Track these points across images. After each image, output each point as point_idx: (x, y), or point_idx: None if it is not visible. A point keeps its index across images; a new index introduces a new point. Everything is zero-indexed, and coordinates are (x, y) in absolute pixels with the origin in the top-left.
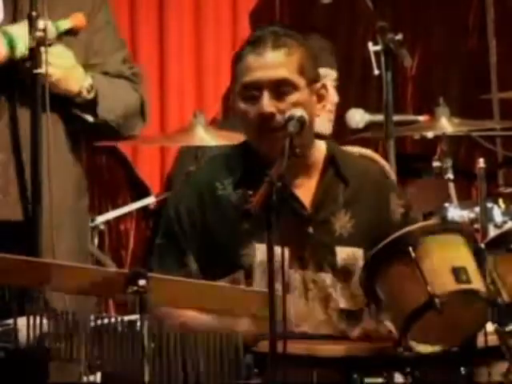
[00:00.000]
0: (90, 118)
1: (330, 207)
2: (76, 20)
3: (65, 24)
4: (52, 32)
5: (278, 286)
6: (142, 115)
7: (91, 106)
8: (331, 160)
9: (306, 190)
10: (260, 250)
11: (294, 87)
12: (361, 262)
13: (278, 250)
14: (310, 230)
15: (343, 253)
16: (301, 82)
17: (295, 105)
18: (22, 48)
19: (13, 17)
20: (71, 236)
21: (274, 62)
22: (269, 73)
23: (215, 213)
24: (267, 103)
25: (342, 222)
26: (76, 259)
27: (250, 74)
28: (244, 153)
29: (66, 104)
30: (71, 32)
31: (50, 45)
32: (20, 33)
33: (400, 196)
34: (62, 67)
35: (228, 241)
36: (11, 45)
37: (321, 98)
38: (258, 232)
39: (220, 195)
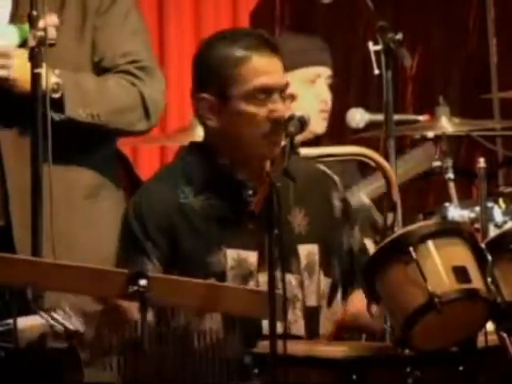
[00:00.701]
0: (55, 117)
1: (286, 206)
2: (48, 21)
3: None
4: (15, 36)
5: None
6: (146, 111)
7: (59, 105)
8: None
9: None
10: (230, 255)
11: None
12: (317, 258)
13: (246, 254)
14: (276, 230)
15: (305, 250)
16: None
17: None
18: None
19: (12, 18)
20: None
21: (277, 66)
22: (278, 77)
23: (181, 221)
24: (283, 107)
25: (298, 220)
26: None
27: (263, 78)
28: (202, 157)
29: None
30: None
31: (50, 45)
32: None
33: (341, 191)
34: (24, 69)
35: (197, 248)
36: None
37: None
38: (227, 237)
39: (183, 203)
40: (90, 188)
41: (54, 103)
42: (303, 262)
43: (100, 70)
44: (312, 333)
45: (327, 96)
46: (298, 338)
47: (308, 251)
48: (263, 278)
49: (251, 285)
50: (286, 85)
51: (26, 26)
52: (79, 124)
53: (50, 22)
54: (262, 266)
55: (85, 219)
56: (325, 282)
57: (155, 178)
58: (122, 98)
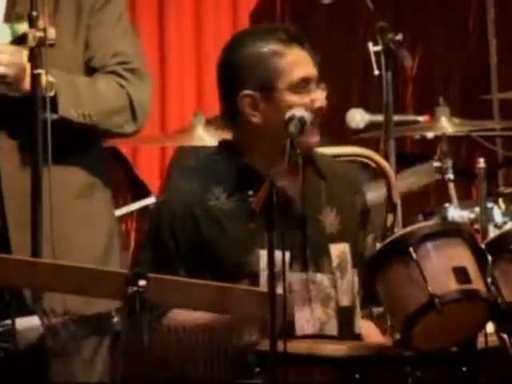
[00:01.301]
0: (48, 117)
1: (317, 205)
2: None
3: (22, 28)
4: (7, 35)
5: (281, 290)
6: (133, 114)
7: (52, 105)
8: (309, 159)
9: (293, 191)
10: (263, 256)
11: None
12: (349, 257)
13: (278, 254)
14: (308, 230)
15: (336, 250)
16: None
17: None
18: None
19: (8, 17)
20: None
21: (309, 57)
22: (313, 68)
23: (210, 224)
24: (321, 97)
25: (330, 219)
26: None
27: (302, 69)
28: (235, 157)
29: (26, 105)
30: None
31: (50, 45)
32: None
33: (363, 195)
34: (15, 65)
35: (228, 251)
36: None
37: None
38: (260, 238)
39: (212, 205)
40: (83, 187)
41: (47, 102)
42: (335, 261)
43: (89, 69)
44: (346, 333)
45: None
46: (331, 338)
47: (340, 251)
48: (295, 278)
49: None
50: (317, 76)
51: (19, 25)
52: (70, 123)
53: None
54: (293, 266)
55: (78, 219)
56: (357, 282)
57: (183, 178)
58: (112, 99)
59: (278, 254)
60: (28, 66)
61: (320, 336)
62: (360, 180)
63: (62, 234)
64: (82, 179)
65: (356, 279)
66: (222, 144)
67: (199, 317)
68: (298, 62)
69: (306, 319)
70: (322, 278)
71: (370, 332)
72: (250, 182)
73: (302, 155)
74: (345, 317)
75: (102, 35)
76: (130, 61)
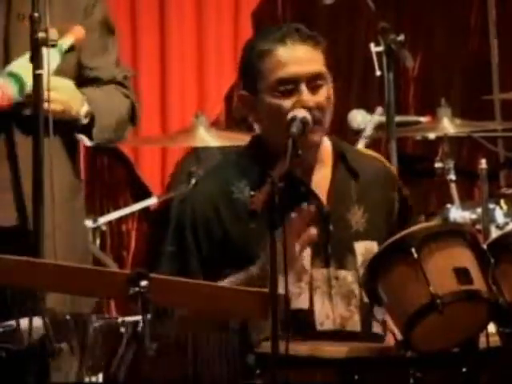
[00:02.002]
0: (87, 142)
1: (345, 203)
2: (77, 33)
3: (67, 41)
4: (57, 57)
5: (304, 286)
6: (132, 119)
7: (87, 129)
8: (340, 155)
9: (320, 186)
10: (283, 251)
11: (325, 80)
12: None
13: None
14: (331, 227)
15: (361, 247)
16: (327, 74)
17: (327, 98)
18: (29, 86)
19: (6, 17)
20: (66, 236)
21: (307, 55)
22: (305, 67)
23: (233, 218)
24: (308, 97)
25: (357, 217)
26: (74, 258)
27: (285, 69)
28: (257, 153)
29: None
30: (73, 47)
31: (52, 46)
32: (25, 71)
33: (405, 190)
34: (63, 101)
35: (250, 244)
36: (20, 84)
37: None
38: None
39: (236, 199)
40: (71, 188)
41: (81, 129)
42: (359, 258)
43: (93, 77)
44: (370, 330)
45: None
46: (353, 334)
47: (365, 249)
48: (316, 274)
49: (305, 280)
50: (317, 74)
51: (64, 41)
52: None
53: (79, 35)
54: (315, 261)
55: (65, 219)
56: None
57: (209, 176)
58: (123, 114)
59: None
60: (75, 96)
61: (341, 332)
62: (396, 176)
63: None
64: (70, 182)
65: None
66: (252, 139)
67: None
68: (282, 62)
69: (326, 315)
70: (346, 275)
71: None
72: None
73: (334, 152)
74: (369, 314)
75: (99, 44)
76: (124, 68)
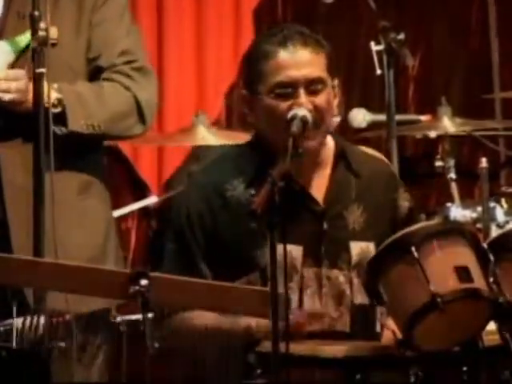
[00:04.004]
0: (57, 131)
1: (343, 201)
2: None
3: (23, 40)
4: (9, 52)
5: (293, 286)
6: (141, 115)
7: (60, 119)
8: (341, 154)
9: (317, 186)
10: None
11: (325, 85)
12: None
13: (290, 248)
14: (325, 226)
15: (357, 247)
16: (328, 79)
17: (326, 102)
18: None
19: (6, 15)
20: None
21: (307, 60)
22: (303, 71)
23: (225, 215)
24: (305, 101)
25: (355, 216)
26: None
27: (284, 73)
28: (256, 151)
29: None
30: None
31: (53, 45)
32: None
33: (407, 192)
34: (21, 91)
35: (241, 242)
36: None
37: (335, 95)
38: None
39: (229, 196)
40: (80, 187)
41: (56, 117)
42: (354, 258)
43: (95, 67)
44: (362, 331)
45: None
46: (342, 334)
47: (361, 249)
48: (308, 273)
49: (295, 279)
50: (316, 78)
51: (20, 37)
52: (81, 135)
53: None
54: (306, 261)
55: (73, 217)
56: None
57: (203, 171)
58: (119, 105)
59: (290, 247)
60: (30, 87)
61: (330, 332)
62: (401, 182)
63: (57, 232)
64: (79, 179)
65: None
66: (252, 137)
67: (209, 318)
68: (282, 66)
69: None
70: (338, 275)
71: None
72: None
73: (335, 151)
74: (360, 315)
75: (107, 33)
76: (135, 59)
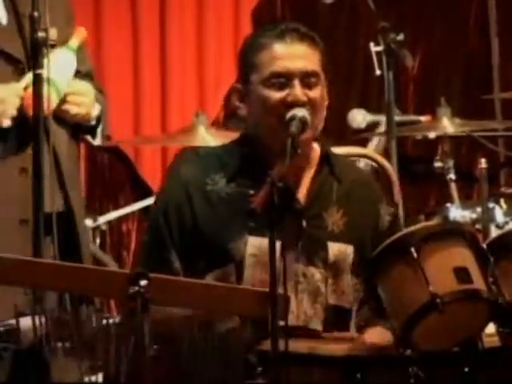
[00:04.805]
0: (94, 142)
1: (323, 203)
2: (80, 34)
3: (74, 42)
4: (73, 59)
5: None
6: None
7: (92, 129)
8: (326, 158)
9: (302, 185)
10: (251, 242)
11: (319, 80)
12: (351, 259)
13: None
14: (303, 223)
15: (335, 248)
16: (322, 75)
17: (320, 97)
18: (62, 92)
19: (16, 21)
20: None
21: (303, 53)
22: (300, 63)
23: (204, 208)
24: (301, 92)
25: (334, 219)
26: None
27: (280, 63)
28: (241, 146)
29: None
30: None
31: (52, 46)
32: (61, 78)
33: (388, 204)
34: (87, 105)
35: (218, 235)
36: (58, 92)
37: (326, 97)
38: (249, 224)
39: (209, 190)
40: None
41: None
42: (331, 258)
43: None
44: (334, 331)
45: None
46: (314, 331)
47: (339, 250)
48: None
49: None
50: (312, 72)
51: (70, 41)
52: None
53: (82, 35)
54: (284, 256)
55: None
56: (351, 284)
57: (184, 165)
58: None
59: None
60: (94, 100)
61: (303, 329)
62: (379, 189)
63: None
64: None
65: (350, 281)
66: (240, 136)
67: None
68: (277, 57)
69: (291, 310)
70: (314, 272)
71: (375, 336)
72: (251, 168)
73: (321, 154)
74: (334, 315)
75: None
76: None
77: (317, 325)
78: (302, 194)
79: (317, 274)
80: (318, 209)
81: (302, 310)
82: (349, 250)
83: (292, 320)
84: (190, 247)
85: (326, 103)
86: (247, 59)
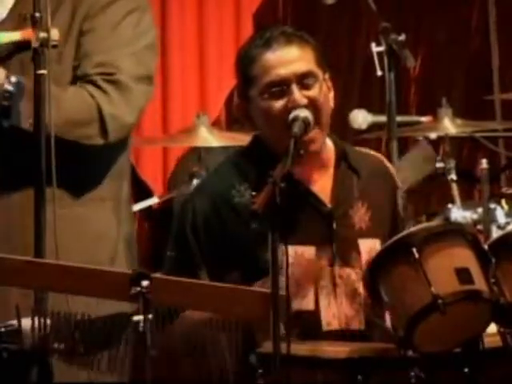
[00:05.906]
0: (5, 124)
1: (348, 200)
2: (26, 34)
3: (12, 36)
4: None
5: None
6: (103, 128)
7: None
8: (342, 154)
9: (322, 186)
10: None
11: (317, 78)
12: None
13: (302, 249)
14: (334, 225)
15: (365, 245)
16: (319, 72)
17: (321, 94)
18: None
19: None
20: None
21: (294, 56)
22: (292, 67)
23: (235, 222)
24: (299, 96)
25: (360, 214)
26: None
27: (272, 73)
28: (255, 154)
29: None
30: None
31: (54, 46)
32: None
33: (402, 190)
34: None
35: (253, 247)
36: None
37: (329, 88)
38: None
39: (237, 203)
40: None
41: (5, 109)
42: (364, 256)
43: (73, 76)
44: (379, 329)
45: None
46: (358, 332)
47: (369, 247)
48: (322, 273)
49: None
50: (306, 72)
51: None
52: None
53: (27, 35)
54: (320, 260)
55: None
56: None
57: (210, 177)
58: (78, 112)
59: (302, 249)
60: None
61: (346, 331)
62: (395, 177)
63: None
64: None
65: None
66: (252, 139)
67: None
68: (268, 67)
69: (332, 315)
70: (350, 273)
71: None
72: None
73: (336, 151)
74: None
75: (92, 43)
76: (113, 72)
77: (358, 325)
78: (326, 195)
79: (352, 274)
80: (344, 208)
81: (342, 312)
82: (377, 244)
83: (335, 324)
84: (222, 260)
85: (332, 95)
86: (242, 74)
